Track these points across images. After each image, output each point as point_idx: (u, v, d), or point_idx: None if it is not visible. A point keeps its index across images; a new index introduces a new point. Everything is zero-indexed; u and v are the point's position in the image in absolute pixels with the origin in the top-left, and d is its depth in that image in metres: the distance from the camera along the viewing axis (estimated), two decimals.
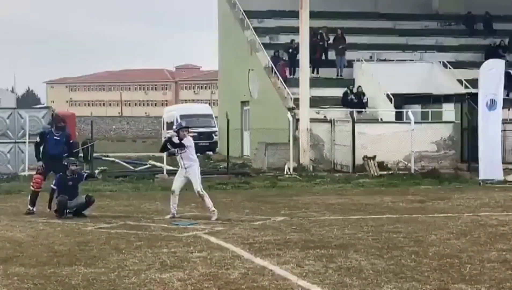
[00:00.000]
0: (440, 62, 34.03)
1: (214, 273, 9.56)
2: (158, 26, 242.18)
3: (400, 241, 12.06)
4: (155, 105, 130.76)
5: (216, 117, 44.23)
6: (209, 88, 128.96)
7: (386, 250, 11.18)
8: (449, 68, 33.57)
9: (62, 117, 16.99)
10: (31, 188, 16.07)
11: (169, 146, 15.36)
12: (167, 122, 45.00)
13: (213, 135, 41.94)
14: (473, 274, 9.39)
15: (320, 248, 11.34)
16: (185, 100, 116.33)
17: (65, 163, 15.58)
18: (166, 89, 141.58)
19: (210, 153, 38.34)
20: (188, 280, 9.13)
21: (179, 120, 42.18)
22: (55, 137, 16.07)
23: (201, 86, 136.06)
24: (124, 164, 30.35)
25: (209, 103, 77.88)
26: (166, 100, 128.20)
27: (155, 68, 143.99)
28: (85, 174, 16.87)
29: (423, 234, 12.71)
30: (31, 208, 15.86)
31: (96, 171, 17.27)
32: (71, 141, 16.62)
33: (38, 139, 16.53)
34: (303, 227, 13.72)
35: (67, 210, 15.31)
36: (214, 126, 43.00)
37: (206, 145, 40.38)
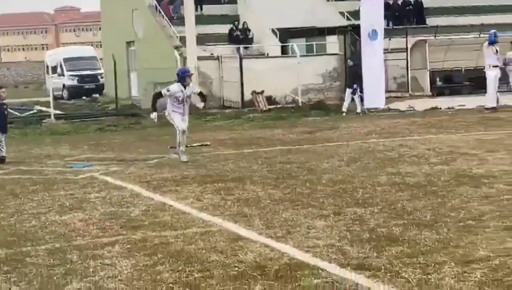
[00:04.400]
0: None
1: (115, 212, 9.63)
2: None
3: (294, 171, 12.40)
4: (35, 50, 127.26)
5: (100, 59, 43.51)
6: (91, 30, 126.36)
7: (281, 180, 11.49)
8: (331, 1, 33.97)
9: None
10: None
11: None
12: (50, 66, 43.98)
13: (99, 77, 41.31)
14: (365, 198, 9.80)
15: (217, 182, 11.55)
16: (67, 43, 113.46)
17: None
18: (46, 33, 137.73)
19: (97, 95, 37.79)
20: (90, 220, 9.16)
21: (63, 64, 41.87)
22: None
23: (83, 28, 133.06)
24: (10, 110, 29.54)
25: (92, 45, 76.32)
26: (47, 44, 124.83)
27: (34, 12, 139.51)
28: None
29: (315, 163, 13.10)
30: None
31: None
32: None
33: None
34: (199, 163, 13.89)
35: None
36: (100, 68, 42.31)
37: (92, 88, 39.79)
